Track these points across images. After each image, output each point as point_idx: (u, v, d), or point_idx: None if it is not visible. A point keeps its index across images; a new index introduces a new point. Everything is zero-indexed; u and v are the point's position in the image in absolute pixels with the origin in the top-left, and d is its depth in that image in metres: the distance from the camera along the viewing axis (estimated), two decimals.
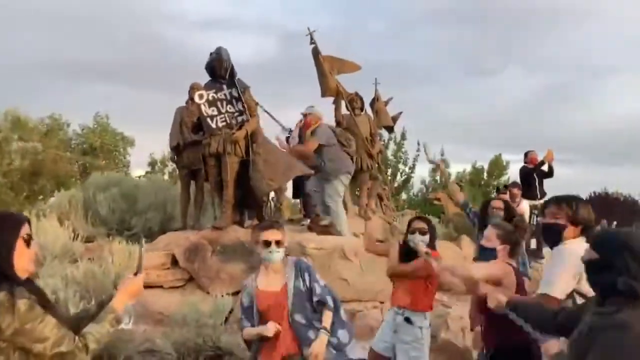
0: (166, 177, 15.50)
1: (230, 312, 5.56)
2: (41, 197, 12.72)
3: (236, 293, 6.00)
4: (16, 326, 1.78)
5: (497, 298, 2.61)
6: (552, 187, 8.88)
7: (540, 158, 9.03)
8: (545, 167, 9.00)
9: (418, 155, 18.58)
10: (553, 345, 2.26)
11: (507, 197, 8.26)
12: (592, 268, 2.02)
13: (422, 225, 3.81)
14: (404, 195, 19.82)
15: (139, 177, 8.95)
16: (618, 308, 1.89)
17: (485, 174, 21.63)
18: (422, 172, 20.35)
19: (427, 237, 3.75)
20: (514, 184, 8.75)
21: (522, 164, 9.45)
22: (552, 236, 2.81)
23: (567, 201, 2.80)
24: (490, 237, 3.22)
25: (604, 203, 14.59)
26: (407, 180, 19.07)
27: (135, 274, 2.15)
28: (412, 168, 18.80)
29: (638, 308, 1.87)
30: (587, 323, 1.96)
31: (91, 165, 17.52)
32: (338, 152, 7.14)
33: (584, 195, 16.06)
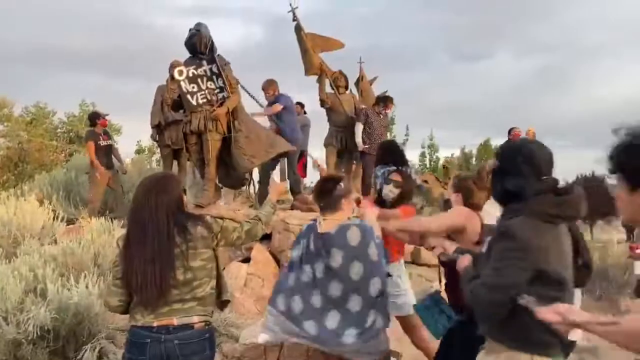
0: (154, 164, 15.35)
1: None
2: (22, 181, 12.59)
3: None
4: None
5: (442, 245, 2.59)
6: None
7: (522, 135, 9.09)
8: None
9: (406, 139, 18.62)
10: (464, 259, 2.30)
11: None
12: (494, 176, 2.14)
13: (397, 178, 3.89)
14: None
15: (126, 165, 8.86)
16: (511, 215, 2.00)
17: (474, 159, 21.69)
18: (410, 157, 20.40)
19: (397, 190, 3.84)
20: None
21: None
22: None
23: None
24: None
25: (586, 184, 14.70)
26: None
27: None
28: None
29: (528, 213, 1.97)
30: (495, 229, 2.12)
31: (78, 153, 17.33)
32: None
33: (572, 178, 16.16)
